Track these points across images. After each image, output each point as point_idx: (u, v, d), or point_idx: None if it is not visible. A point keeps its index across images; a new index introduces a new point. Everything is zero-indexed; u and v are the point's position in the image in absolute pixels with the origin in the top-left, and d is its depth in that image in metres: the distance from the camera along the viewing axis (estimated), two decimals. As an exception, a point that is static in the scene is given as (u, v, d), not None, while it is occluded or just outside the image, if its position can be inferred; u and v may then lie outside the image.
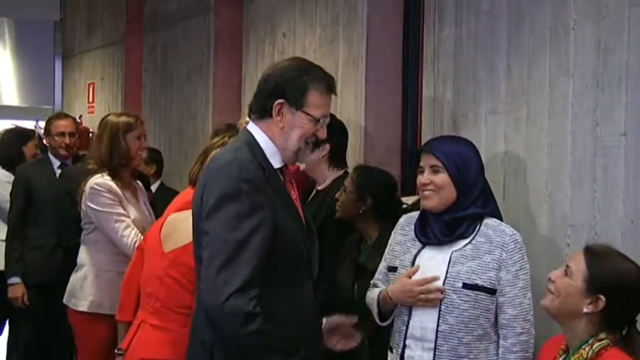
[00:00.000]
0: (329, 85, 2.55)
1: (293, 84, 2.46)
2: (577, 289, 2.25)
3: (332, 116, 3.89)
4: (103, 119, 3.98)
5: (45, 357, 5.08)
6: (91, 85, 9.58)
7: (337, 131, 3.76)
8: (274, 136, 2.48)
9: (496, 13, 3.49)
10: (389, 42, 4.33)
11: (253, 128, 2.52)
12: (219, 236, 2.32)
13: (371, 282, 3.03)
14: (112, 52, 8.82)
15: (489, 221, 2.80)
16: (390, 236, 3.14)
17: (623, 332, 2.23)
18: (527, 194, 3.17)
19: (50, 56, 10.55)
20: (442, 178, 2.77)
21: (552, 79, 3.19)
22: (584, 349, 2.22)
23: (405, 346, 2.79)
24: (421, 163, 2.83)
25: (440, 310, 2.72)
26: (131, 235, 3.70)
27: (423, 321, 2.75)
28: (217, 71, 6.11)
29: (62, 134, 4.97)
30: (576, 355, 2.23)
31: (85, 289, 3.82)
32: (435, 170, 2.78)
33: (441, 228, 2.79)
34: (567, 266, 2.30)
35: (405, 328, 2.79)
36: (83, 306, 3.81)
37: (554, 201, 3.13)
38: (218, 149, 3.24)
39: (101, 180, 3.77)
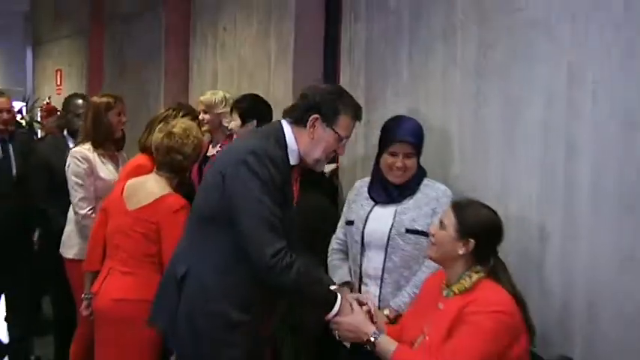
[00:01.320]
0: (356, 113, 2.54)
1: (329, 104, 2.46)
2: (451, 237, 2.35)
3: (256, 96, 3.96)
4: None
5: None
6: (59, 71, 9.40)
7: (262, 108, 3.79)
8: (301, 142, 2.47)
9: (400, 13, 3.54)
10: (313, 37, 4.37)
11: (286, 127, 2.49)
12: (256, 211, 2.30)
13: (333, 236, 3.10)
14: (77, 42, 8.65)
15: (427, 181, 2.93)
16: (309, 199, 3.23)
17: (491, 264, 2.35)
18: (424, 167, 3.21)
19: (22, 44, 10.35)
20: (413, 161, 2.89)
21: (444, 68, 3.25)
22: (464, 279, 2.33)
23: (361, 283, 2.90)
24: (395, 149, 2.87)
25: (386, 252, 2.82)
26: (83, 204, 3.80)
27: (376, 261, 2.85)
28: (168, 60, 6.04)
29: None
30: (457, 285, 2.33)
31: (72, 240, 3.88)
32: (408, 156, 2.87)
33: (395, 191, 2.90)
34: (441, 221, 2.40)
35: (359, 269, 2.90)
36: (70, 254, 3.88)
37: (446, 173, 3.19)
38: (162, 123, 3.35)
39: (78, 148, 3.89)
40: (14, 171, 4.44)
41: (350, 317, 2.41)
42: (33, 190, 4.31)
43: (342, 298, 2.42)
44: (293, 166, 2.49)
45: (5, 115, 4.50)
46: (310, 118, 2.46)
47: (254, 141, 2.43)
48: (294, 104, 2.55)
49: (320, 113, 2.46)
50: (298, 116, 2.48)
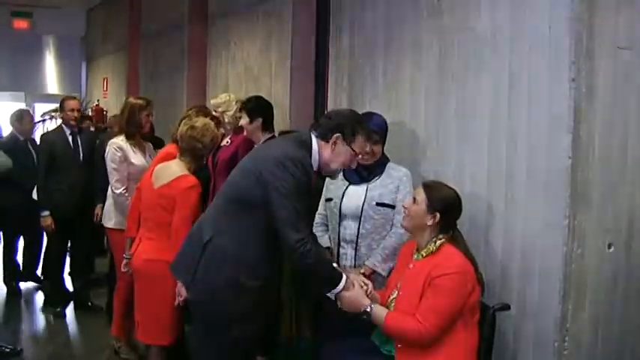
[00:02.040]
0: (369, 135, 2.52)
1: (348, 126, 2.40)
2: (422, 211, 2.33)
3: (261, 97, 3.89)
4: (126, 100, 4.03)
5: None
6: (105, 79, 9.41)
7: (266, 107, 3.70)
8: (323, 154, 2.41)
9: (376, 30, 3.48)
10: (306, 49, 4.30)
11: (314, 140, 2.42)
12: (289, 205, 2.25)
13: (317, 213, 3.02)
14: (119, 57, 8.60)
15: (390, 165, 2.88)
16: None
17: (451, 233, 2.34)
18: (393, 153, 3.08)
19: (78, 60, 10.67)
20: (378, 147, 2.84)
21: (411, 75, 3.19)
22: (430, 244, 2.32)
23: (339, 247, 2.85)
24: None
25: (360, 221, 2.78)
26: (118, 185, 3.76)
27: (351, 229, 2.80)
28: (190, 69, 5.98)
29: (72, 110, 4.61)
30: (425, 249, 2.33)
31: (111, 213, 3.85)
32: (375, 142, 2.80)
33: (365, 171, 2.84)
34: (414, 198, 2.39)
35: (337, 236, 2.85)
36: (110, 224, 3.85)
37: (414, 159, 3.13)
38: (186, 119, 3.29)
39: (115, 140, 3.85)
40: (81, 157, 4.61)
41: (351, 292, 2.36)
42: (95, 172, 4.37)
43: (346, 277, 2.37)
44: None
45: (76, 113, 4.67)
46: (333, 136, 2.40)
47: (291, 148, 2.37)
48: (321, 122, 2.50)
49: (342, 133, 2.40)
50: (323, 133, 2.42)
